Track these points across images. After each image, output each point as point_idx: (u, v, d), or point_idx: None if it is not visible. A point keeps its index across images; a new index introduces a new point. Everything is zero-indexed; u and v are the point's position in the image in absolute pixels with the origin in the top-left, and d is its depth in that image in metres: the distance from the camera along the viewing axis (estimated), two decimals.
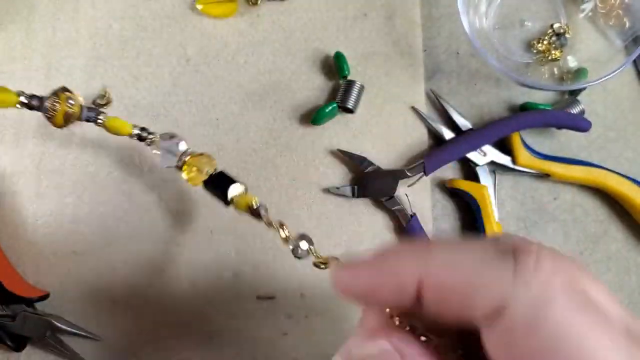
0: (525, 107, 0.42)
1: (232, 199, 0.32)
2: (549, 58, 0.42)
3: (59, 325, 0.37)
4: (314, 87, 0.41)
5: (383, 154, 0.41)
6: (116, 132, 0.33)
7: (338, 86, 0.41)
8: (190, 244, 0.39)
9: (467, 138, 0.39)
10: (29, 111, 0.40)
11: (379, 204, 0.40)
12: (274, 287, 0.39)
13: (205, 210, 0.39)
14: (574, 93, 0.42)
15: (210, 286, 0.39)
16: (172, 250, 0.39)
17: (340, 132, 0.41)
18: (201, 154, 0.33)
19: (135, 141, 0.34)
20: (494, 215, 0.40)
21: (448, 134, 0.41)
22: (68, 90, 0.32)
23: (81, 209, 0.39)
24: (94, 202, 0.39)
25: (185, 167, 0.33)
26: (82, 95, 0.34)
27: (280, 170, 0.40)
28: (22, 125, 0.40)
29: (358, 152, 0.40)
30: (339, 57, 0.40)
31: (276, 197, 0.40)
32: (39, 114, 0.39)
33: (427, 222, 0.40)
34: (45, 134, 0.40)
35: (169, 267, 0.39)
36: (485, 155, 0.40)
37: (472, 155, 0.40)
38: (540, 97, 0.43)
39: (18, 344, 0.36)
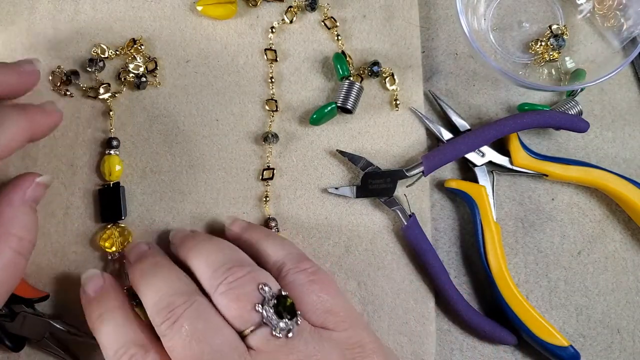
0: (523, 108, 0.42)
1: None
2: (547, 59, 0.42)
3: (58, 326, 0.37)
4: (313, 87, 0.41)
5: (382, 155, 0.41)
6: None
7: (337, 87, 0.41)
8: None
9: (466, 139, 0.40)
10: None
11: (378, 204, 0.40)
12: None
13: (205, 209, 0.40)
14: (572, 94, 0.42)
15: None
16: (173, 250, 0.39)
17: (339, 132, 0.41)
18: None
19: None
20: (492, 215, 0.40)
21: (446, 135, 0.41)
22: None
23: (82, 209, 0.39)
24: (95, 203, 0.39)
25: None
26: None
27: (280, 171, 0.40)
28: None
29: (357, 153, 0.40)
30: (338, 58, 0.41)
31: (275, 197, 0.40)
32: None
33: (426, 222, 0.40)
34: None
35: None
36: (483, 155, 0.41)
37: (471, 156, 0.41)
38: (538, 98, 0.43)
39: (16, 344, 0.36)
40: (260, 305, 0.30)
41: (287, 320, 0.30)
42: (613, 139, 0.43)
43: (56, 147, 0.40)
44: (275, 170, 0.40)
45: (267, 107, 0.40)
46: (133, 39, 0.40)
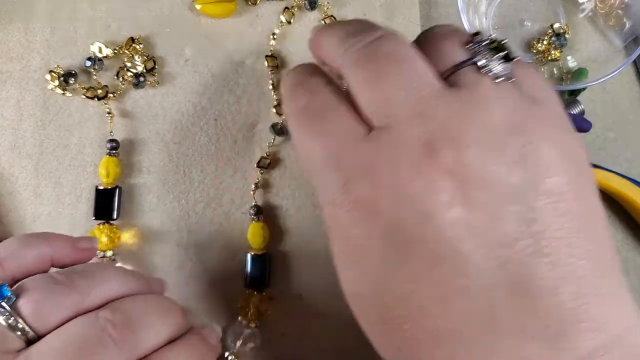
0: None
1: None
2: (549, 58, 0.42)
3: None
4: None
5: None
6: None
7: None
8: (194, 244, 0.39)
9: None
10: (26, 111, 0.40)
11: None
12: (271, 288, 0.39)
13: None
14: (574, 93, 0.42)
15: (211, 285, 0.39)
16: (174, 251, 0.39)
17: None
18: None
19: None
20: None
21: None
22: None
23: (79, 209, 0.39)
24: (93, 202, 0.39)
25: None
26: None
27: (280, 171, 0.40)
28: (20, 125, 0.40)
29: None
30: None
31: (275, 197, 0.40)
32: (38, 114, 0.39)
33: None
34: (43, 135, 0.40)
35: (171, 266, 0.39)
36: None
37: None
38: None
39: None
40: (470, 44, 0.24)
41: (500, 59, 0.23)
42: (615, 139, 0.42)
43: (55, 147, 0.39)
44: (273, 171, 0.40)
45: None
46: (131, 37, 0.40)
